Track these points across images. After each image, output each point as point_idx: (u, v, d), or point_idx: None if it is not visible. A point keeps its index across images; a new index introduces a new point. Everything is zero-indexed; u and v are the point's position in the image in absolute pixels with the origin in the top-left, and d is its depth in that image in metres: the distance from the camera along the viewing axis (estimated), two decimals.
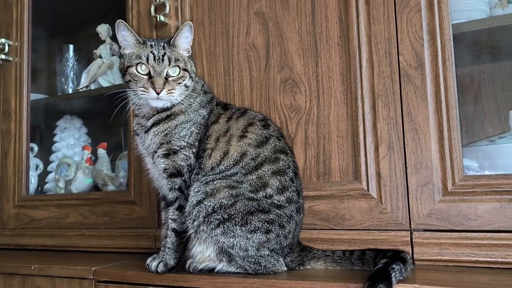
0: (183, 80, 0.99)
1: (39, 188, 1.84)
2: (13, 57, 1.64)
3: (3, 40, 1.64)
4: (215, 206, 0.91)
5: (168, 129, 0.99)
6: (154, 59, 0.96)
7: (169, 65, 0.97)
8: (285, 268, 0.95)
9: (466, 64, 1.31)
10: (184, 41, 1.01)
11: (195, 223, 0.93)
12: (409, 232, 0.99)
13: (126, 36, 0.99)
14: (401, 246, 0.98)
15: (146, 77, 0.96)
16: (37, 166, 1.86)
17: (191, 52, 1.04)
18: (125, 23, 0.98)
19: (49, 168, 1.84)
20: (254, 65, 1.21)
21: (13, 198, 1.59)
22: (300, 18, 1.16)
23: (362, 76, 1.06)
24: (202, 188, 0.94)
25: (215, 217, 0.91)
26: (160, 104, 0.98)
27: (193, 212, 0.93)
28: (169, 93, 0.96)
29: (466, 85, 1.32)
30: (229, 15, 1.26)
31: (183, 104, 1.00)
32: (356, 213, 1.04)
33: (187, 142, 0.99)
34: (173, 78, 0.97)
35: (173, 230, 0.98)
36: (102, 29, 1.68)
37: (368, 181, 1.04)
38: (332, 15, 1.12)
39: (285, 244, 0.95)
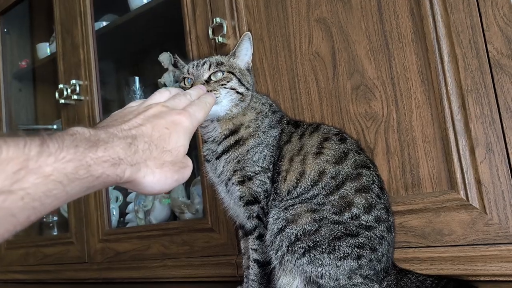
0: (227, 82, 0.93)
1: (122, 219, 1.88)
2: (84, 96, 1.70)
3: (74, 81, 1.71)
4: (298, 234, 0.84)
5: (240, 156, 0.94)
6: (193, 67, 0.95)
7: (209, 69, 0.93)
8: None
9: None
10: (245, 53, 0.98)
11: (279, 253, 0.86)
12: None
13: (179, 65, 1.01)
14: None
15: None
16: (117, 198, 1.90)
17: (250, 65, 1.00)
18: (176, 57, 1.02)
19: (128, 199, 1.88)
20: (320, 75, 1.14)
21: (97, 232, 1.64)
22: (366, 18, 1.07)
23: (445, 73, 0.95)
24: (282, 215, 0.87)
25: (299, 245, 0.84)
26: None
27: (275, 242, 0.87)
28: (214, 92, 0.90)
29: None
30: (288, 26, 1.20)
31: (242, 115, 0.96)
32: (457, 227, 0.92)
33: (261, 166, 0.93)
34: (215, 80, 0.92)
35: (255, 260, 0.92)
36: (164, 58, 1.69)
37: (467, 190, 0.91)
38: (402, 10, 1.02)
39: (379, 269, 0.86)
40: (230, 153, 0.94)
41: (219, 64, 0.95)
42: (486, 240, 0.89)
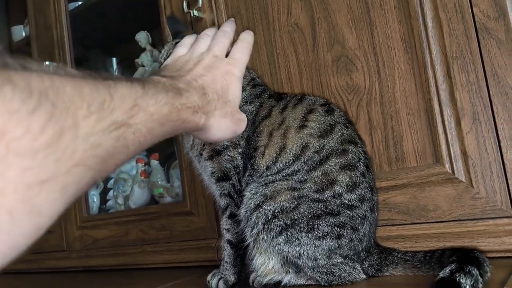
0: None
1: (103, 206, 1.82)
2: None
3: (47, 63, 1.63)
4: (276, 211, 0.79)
5: None
6: (164, 58, 0.94)
7: None
8: (364, 276, 0.80)
9: None
10: None
11: (254, 231, 0.81)
12: None
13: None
14: (504, 236, 0.80)
15: None
16: (97, 184, 1.84)
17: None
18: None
19: (109, 185, 1.82)
20: (300, 47, 1.07)
21: (75, 219, 1.58)
22: None
23: (429, 39, 0.89)
24: (261, 190, 0.82)
25: (276, 223, 0.79)
26: None
27: (251, 219, 0.82)
28: None
29: None
30: None
31: None
32: (442, 202, 0.87)
33: (230, 141, 0.88)
34: None
35: (228, 241, 0.87)
36: (141, 37, 1.62)
37: (453, 163, 0.86)
38: None
39: (360, 249, 0.81)
40: None
41: None
42: (473, 215, 0.84)
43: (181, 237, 1.28)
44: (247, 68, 1.04)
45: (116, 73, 1.76)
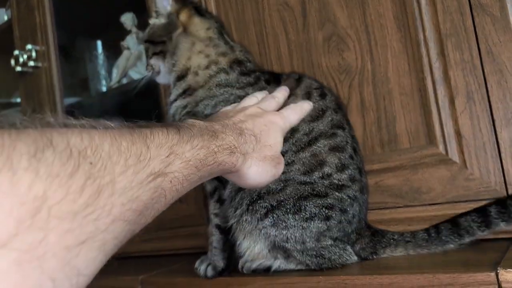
0: (147, 51, 0.93)
1: None
2: (41, 63, 1.58)
3: (29, 46, 1.58)
4: (262, 192, 0.77)
5: (189, 106, 0.85)
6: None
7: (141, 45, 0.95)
8: (355, 258, 0.78)
9: None
10: (157, 5, 0.92)
11: (238, 211, 0.79)
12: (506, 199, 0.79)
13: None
14: None
15: None
16: None
17: (168, 8, 0.91)
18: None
19: None
20: (290, 26, 1.04)
21: None
22: None
23: (422, 16, 0.86)
24: None
25: (261, 204, 0.76)
26: (159, 81, 0.97)
27: (235, 199, 0.79)
28: (148, 69, 0.94)
29: None
30: None
31: (187, 59, 0.88)
32: (435, 184, 0.85)
33: None
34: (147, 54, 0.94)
35: (217, 226, 0.85)
36: (127, 18, 1.57)
37: (446, 143, 0.84)
38: None
39: (350, 230, 0.79)
40: (178, 101, 0.87)
41: (141, 37, 0.98)
42: (466, 197, 0.82)
43: (171, 225, 1.25)
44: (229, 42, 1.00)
45: (101, 56, 1.71)
